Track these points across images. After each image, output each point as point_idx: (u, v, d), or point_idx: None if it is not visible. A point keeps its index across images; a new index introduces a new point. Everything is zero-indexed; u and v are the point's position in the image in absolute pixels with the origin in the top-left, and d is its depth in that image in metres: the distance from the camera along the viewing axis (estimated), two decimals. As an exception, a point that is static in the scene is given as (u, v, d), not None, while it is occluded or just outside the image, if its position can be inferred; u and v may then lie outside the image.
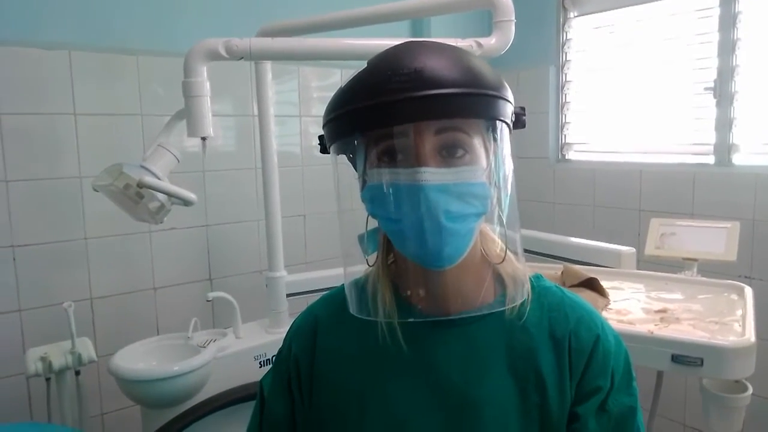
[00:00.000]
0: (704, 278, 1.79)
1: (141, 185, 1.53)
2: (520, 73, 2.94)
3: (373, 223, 0.75)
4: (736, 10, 2.24)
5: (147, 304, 2.20)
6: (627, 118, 2.65)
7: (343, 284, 0.80)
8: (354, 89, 0.68)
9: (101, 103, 2.04)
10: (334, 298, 0.86)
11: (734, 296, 1.62)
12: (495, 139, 0.71)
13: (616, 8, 2.64)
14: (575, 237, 2.22)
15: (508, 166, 0.73)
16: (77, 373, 1.78)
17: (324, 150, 0.75)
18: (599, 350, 0.76)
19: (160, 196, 1.59)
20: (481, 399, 0.74)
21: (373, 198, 0.70)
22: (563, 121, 2.93)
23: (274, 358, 0.93)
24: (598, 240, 2.12)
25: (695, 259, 1.90)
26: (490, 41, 1.58)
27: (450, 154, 0.67)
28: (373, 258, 0.78)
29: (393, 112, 0.64)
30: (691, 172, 2.40)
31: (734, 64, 2.27)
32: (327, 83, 2.63)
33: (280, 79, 2.46)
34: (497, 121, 0.70)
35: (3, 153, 1.87)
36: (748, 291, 1.60)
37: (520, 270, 0.77)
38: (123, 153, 1.90)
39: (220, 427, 1.75)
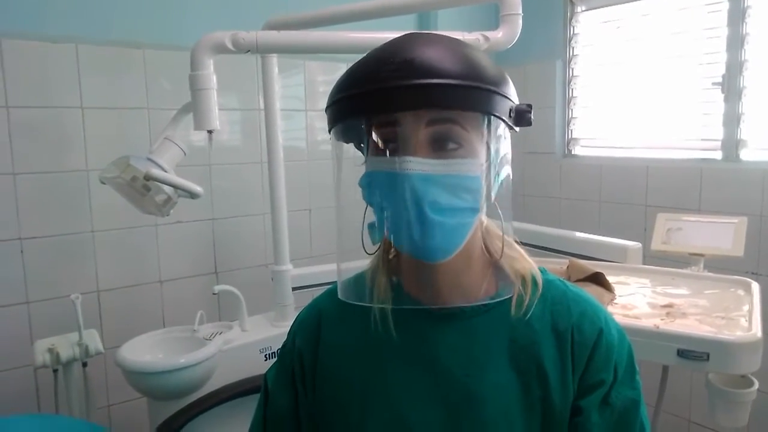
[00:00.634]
0: (711, 273, 1.78)
1: (148, 177, 1.53)
2: (526, 67, 2.92)
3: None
4: (746, 5, 2.23)
5: (153, 297, 2.21)
6: (634, 113, 2.63)
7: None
8: (347, 78, 0.68)
9: (108, 97, 2.04)
10: (338, 292, 0.86)
11: (741, 292, 1.61)
12: (492, 135, 0.70)
13: (624, 2, 2.62)
14: (581, 232, 2.21)
15: (507, 162, 0.72)
16: (84, 364, 1.79)
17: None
18: (602, 343, 0.75)
19: (167, 188, 1.59)
20: (483, 393, 0.74)
21: (365, 186, 0.70)
22: (570, 116, 2.91)
23: (279, 351, 0.93)
24: (604, 235, 2.11)
25: (702, 255, 1.88)
26: (497, 35, 1.58)
27: (441, 146, 0.66)
28: (372, 249, 0.78)
29: (379, 101, 0.64)
30: (699, 167, 2.39)
31: (743, 59, 2.25)
32: (333, 78, 2.59)
33: (287, 74, 2.47)
34: (495, 117, 0.69)
35: (11, 146, 1.88)
36: (755, 286, 1.59)
37: (526, 266, 0.77)
38: (130, 146, 1.91)
39: (225, 420, 1.76)
